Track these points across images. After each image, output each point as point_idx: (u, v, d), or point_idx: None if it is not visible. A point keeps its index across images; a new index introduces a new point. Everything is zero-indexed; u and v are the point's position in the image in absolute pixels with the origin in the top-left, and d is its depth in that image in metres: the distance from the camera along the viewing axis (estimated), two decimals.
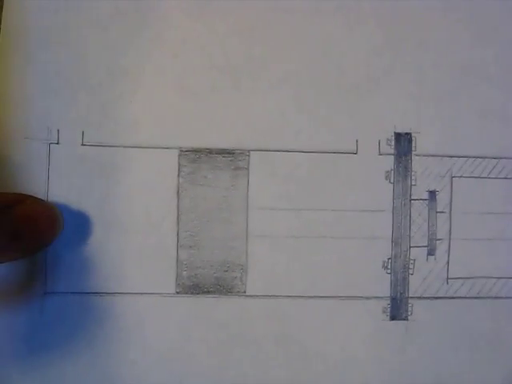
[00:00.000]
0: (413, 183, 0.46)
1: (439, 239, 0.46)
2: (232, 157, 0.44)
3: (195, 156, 0.44)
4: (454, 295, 0.46)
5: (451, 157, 0.46)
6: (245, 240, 0.44)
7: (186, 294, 0.44)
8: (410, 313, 0.45)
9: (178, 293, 0.44)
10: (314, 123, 0.45)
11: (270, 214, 0.44)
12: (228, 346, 0.44)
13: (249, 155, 0.44)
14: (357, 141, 0.45)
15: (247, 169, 0.44)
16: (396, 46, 0.45)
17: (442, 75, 0.46)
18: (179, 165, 0.44)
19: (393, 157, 0.45)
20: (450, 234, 0.46)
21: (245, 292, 0.44)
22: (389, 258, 0.45)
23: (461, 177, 0.46)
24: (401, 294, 0.45)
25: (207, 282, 0.44)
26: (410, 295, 0.45)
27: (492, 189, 0.46)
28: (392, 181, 0.45)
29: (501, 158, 0.46)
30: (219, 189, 0.44)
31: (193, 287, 0.44)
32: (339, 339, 0.45)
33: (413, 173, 0.46)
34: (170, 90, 0.44)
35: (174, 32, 0.45)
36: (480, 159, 0.46)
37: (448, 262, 0.46)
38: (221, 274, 0.44)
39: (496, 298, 0.46)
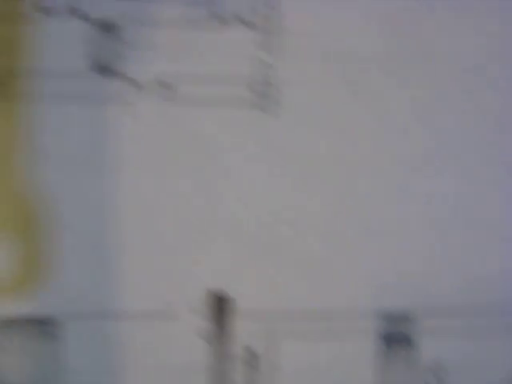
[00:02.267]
0: (231, 342, 0.45)
1: None
2: None
3: None
4: None
5: (271, 313, 0.45)
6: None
7: None
8: None
9: None
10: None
11: None
12: None
13: None
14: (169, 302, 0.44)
15: None
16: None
17: (257, 227, 0.44)
18: None
19: (208, 316, 0.44)
20: None
21: None
22: None
23: (285, 336, 0.45)
24: None
25: None
26: None
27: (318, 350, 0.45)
28: (208, 341, 0.44)
29: (322, 318, 0.45)
30: None
31: None
32: None
33: (231, 332, 0.44)
34: None
35: None
36: (303, 314, 0.45)
37: None
38: None
39: None
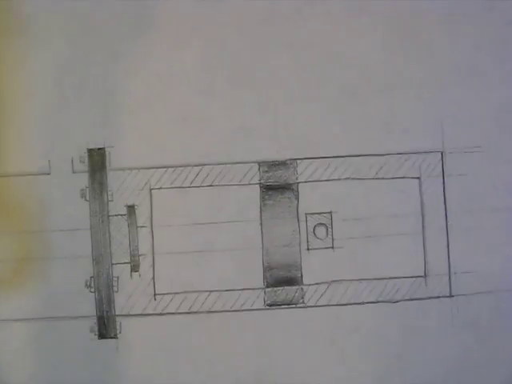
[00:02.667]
0: (110, 199, 0.45)
1: (142, 254, 0.44)
2: None
3: None
4: (163, 311, 0.44)
5: (148, 168, 0.44)
6: None
7: None
8: (118, 331, 0.44)
9: None
10: (5, 145, 0.45)
11: None
12: None
13: None
14: (49, 161, 0.45)
15: None
16: (85, 59, 0.45)
17: (134, 84, 0.45)
18: None
19: (87, 174, 0.45)
20: (153, 249, 0.44)
21: None
22: (91, 277, 0.44)
23: (160, 188, 0.44)
24: (107, 312, 0.44)
25: None
26: (117, 313, 0.44)
27: (196, 198, 0.44)
28: (88, 198, 0.45)
29: (204, 165, 0.44)
30: None
31: None
32: (49, 360, 0.45)
33: (109, 188, 0.45)
34: None
35: None
36: (180, 168, 0.44)
37: (153, 278, 0.44)
38: None
39: (209, 312, 0.44)
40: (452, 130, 0.44)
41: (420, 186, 0.44)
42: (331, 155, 0.44)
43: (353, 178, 0.44)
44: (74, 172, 0.45)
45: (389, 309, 0.44)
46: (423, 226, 0.44)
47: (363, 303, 0.44)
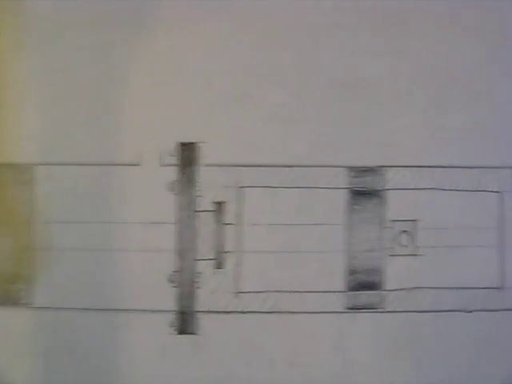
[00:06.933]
0: (198, 194, 0.44)
1: (227, 251, 0.44)
2: (17, 171, 0.45)
3: None
4: (245, 309, 0.44)
5: (239, 166, 0.44)
6: (31, 253, 0.45)
7: None
8: (198, 327, 0.44)
9: None
10: (97, 135, 0.45)
11: (56, 227, 0.45)
12: (17, 356, 0.45)
13: (34, 169, 0.45)
14: (139, 152, 0.45)
15: (32, 183, 0.45)
16: (179, 54, 0.45)
17: (229, 82, 0.45)
18: None
19: (176, 167, 0.45)
20: (239, 247, 0.44)
21: (32, 304, 0.45)
22: (174, 271, 0.44)
23: (250, 187, 0.45)
24: (188, 307, 0.44)
25: None
26: (198, 309, 0.44)
27: (284, 199, 0.44)
28: (176, 192, 0.44)
29: (294, 167, 0.45)
30: (5, 202, 0.45)
31: None
32: (126, 352, 0.44)
33: (198, 184, 0.44)
34: None
35: None
36: (271, 168, 0.44)
37: (238, 276, 0.44)
38: (8, 285, 0.45)
39: (291, 313, 0.44)
40: None
41: (500, 199, 0.45)
42: (418, 164, 0.45)
43: (437, 188, 0.45)
44: (162, 165, 0.44)
45: (463, 318, 0.45)
46: (502, 240, 0.45)
47: (440, 311, 0.45)
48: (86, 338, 0.44)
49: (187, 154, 0.44)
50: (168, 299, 0.44)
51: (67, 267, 0.45)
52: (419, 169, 0.45)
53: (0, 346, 0.45)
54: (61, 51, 0.44)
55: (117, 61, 0.45)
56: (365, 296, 0.45)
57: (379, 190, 0.45)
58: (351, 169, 0.45)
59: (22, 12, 0.44)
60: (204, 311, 0.44)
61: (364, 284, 0.45)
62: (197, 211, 0.44)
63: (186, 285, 0.44)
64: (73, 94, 0.45)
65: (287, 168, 0.45)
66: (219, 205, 0.44)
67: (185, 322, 0.44)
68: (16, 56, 0.44)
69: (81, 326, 0.45)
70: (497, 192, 0.45)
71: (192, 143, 0.45)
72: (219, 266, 0.44)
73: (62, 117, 0.45)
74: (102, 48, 0.44)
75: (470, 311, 0.45)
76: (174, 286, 0.44)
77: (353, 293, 0.45)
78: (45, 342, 0.45)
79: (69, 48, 0.44)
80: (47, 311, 0.45)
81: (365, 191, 0.45)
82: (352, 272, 0.45)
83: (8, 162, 0.45)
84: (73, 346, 0.45)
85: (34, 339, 0.45)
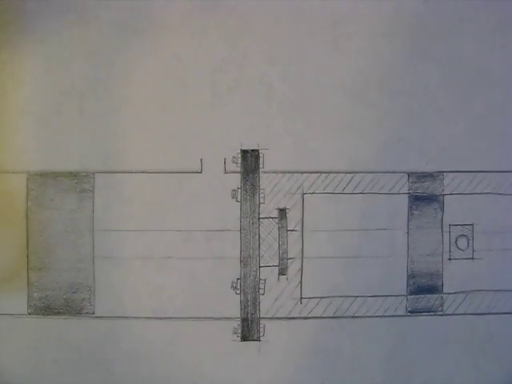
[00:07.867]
0: (261, 201, 0.45)
1: (291, 258, 0.45)
2: (77, 179, 0.45)
3: (42, 179, 0.45)
4: (309, 315, 0.45)
5: (302, 173, 0.45)
6: (91, 262, 0.45)
7: (38, 315, 0.45)
8: (262, 333, 0.44)
9: (29, 314, 0.45)
10: (158, 143, 0.45)
11: (116, 235, 0.44)
12: (79, 366, 0.45)
13: (93, 177, 0.45)
14: (201, 159, 0.45)
15: (92, 191, 0.45)
16: (241, 60, 0.45)
17: (291, 89, 0.45)
18: (28, 188, 0.45)
19: (239, 175, 0.45)
20: (302, 253, 0.45)
21: (93, 313, 0.45)
22: (238, 279, 0.44)
23: (313, 193, 0.45)
24: (251, 314, 0.44)
25: (57, 303, 0.45)
26: (262, 316, 0.44)
27: (346, 205, 0.45)
28: (239, 199, 0.44)
29: (356, 173, 0.45)
30: (65, 211, 0.45)
31: (44, 308, 0.45)
32: (190, 360, 0.44)
33: (261, 190, 0.45)
34: (13, 114, 0.45)
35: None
36: (333, 174, 0.45)
37: (301, 282, 0.45)
38: (69, 295, 0.45)
39: (354, 317, 0.45)
40: None
41: None
42: (475, 169, 0.46)
43: (493, 193, 0.46)
44: (225, 172, 0.45)
45: None
46: None
47: (497, 313, 0.46)
48: (148, 347, 0.44)
49: (250, 161, 0.45)
50: (232, 306, 0.44)
51: (127, 275, 0.44)
52: (476, 174, 0.46)
53: (63, 356, 0.44)
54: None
55: (181, 70, 0.44)
56: (425, 299, 0.45)
57: (438, 195, 0.45)
58: (411, 174, 0.45)
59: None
60: (267, 318, 0.44)
61: (424, 288, 0.45)
62: (260, 218, 0.45)
63: (249, 292, 0.44)
64: (136, 101, 0.44)
65: (349, 174, 0.45)
66: (282, 211, 0.45)
67: (248, 329, 0.44)
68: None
69: (144, 334, 0.44)
70: None
71: (254, 150, 0.45)
72: (283, 272, 0.45)
73: (121, 124, 0.44)
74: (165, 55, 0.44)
75: None
76: (238, 293, 0.44)
77: (414, 296, 0.45)
78: (106, 351, 0.44)
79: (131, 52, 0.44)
80: (108, 320, 0.44)
81: (425, 196, 0.45)
82: (413, 276, 0.45)
83: (68, 171, 0.45)
84: (135, 354, 0.44)
85: (96, 348, 0.44)
